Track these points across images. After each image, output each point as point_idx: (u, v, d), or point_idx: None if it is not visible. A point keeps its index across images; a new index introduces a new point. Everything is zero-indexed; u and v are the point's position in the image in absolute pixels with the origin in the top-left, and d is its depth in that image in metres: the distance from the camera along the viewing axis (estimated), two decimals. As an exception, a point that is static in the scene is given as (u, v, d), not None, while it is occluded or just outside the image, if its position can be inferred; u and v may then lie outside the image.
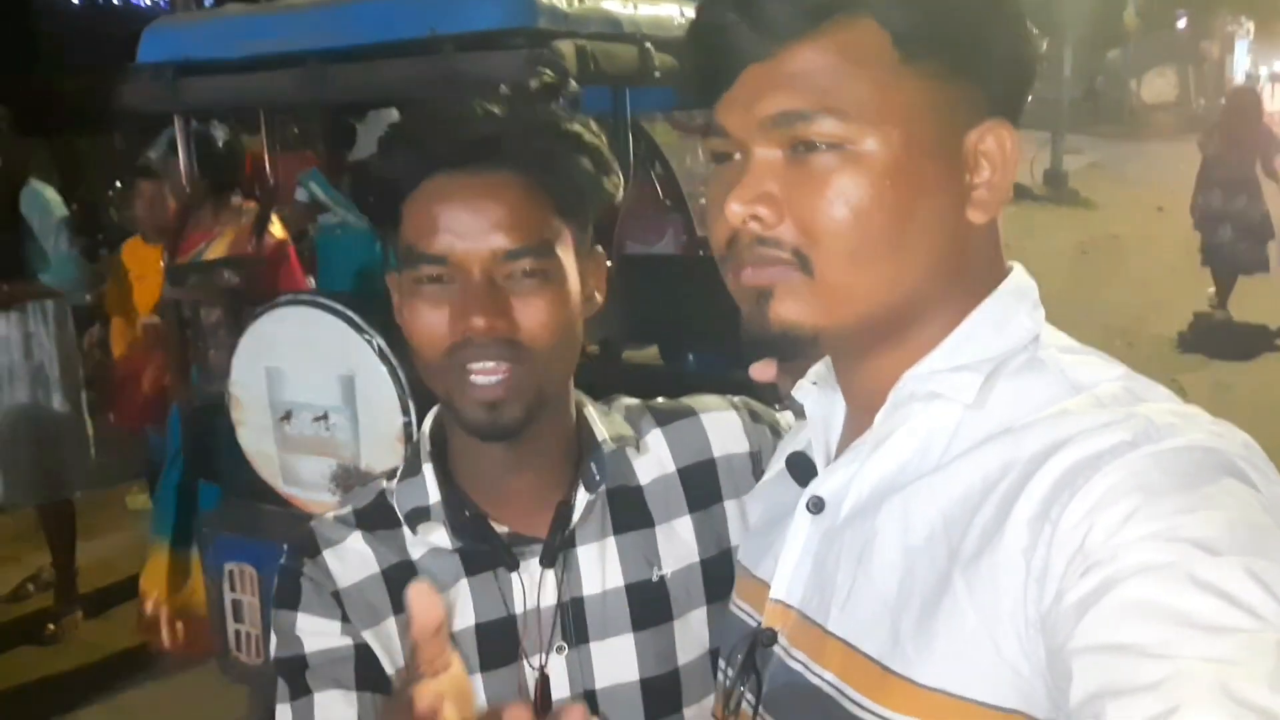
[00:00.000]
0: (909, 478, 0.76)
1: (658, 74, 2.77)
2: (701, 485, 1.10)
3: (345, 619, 1.01)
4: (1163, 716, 0.56)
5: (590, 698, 1.02)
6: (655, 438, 1.11)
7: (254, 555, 2.84)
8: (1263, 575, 0.59)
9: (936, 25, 0.72)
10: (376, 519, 1.05)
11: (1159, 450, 0.65)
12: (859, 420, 0.83)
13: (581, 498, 1.04)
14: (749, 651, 0.85)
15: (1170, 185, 12.17)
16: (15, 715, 3.63)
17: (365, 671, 1.00)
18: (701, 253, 4.23)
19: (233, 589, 2.92)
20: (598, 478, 1.05)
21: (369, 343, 2.58)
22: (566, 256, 0.99)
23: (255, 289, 3.36)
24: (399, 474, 1.07)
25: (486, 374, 0.94)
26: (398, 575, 1.02)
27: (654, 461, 1.10)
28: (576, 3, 2.61)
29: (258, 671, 2.87)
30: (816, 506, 0.82)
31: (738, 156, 0.77)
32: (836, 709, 0.75)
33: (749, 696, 0.84)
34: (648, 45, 2.76)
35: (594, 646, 1.03)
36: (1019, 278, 0.81)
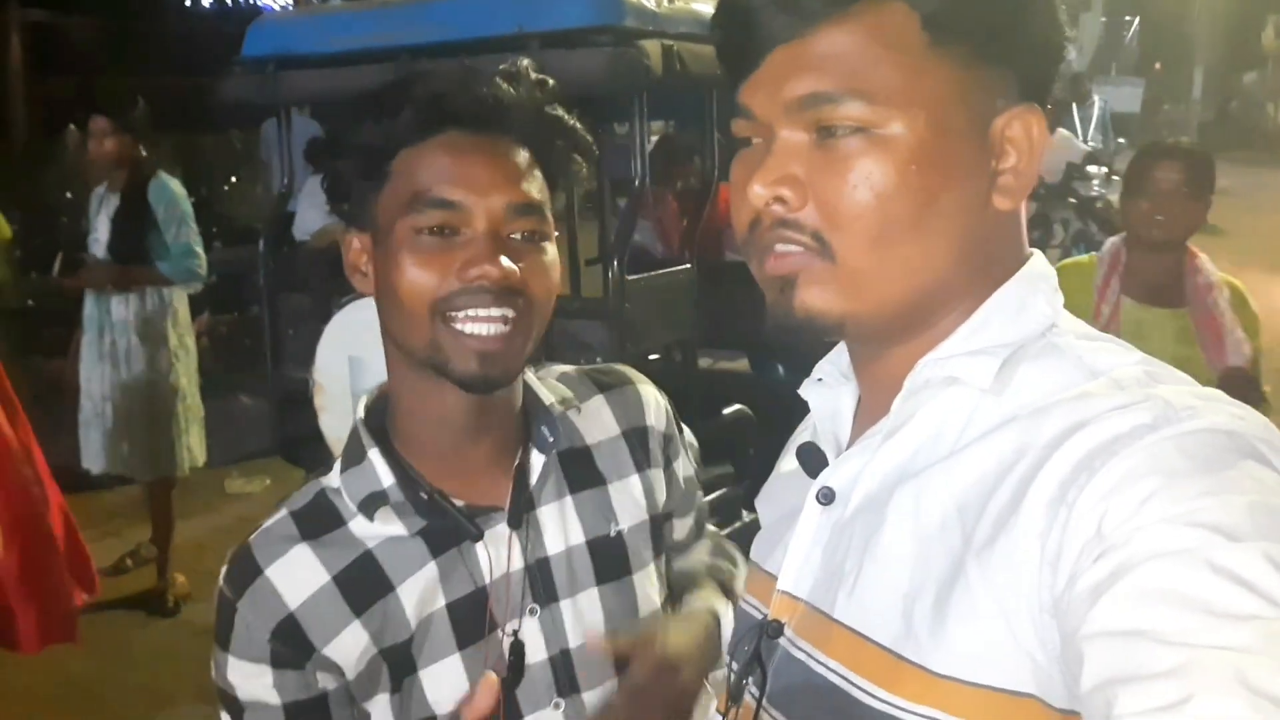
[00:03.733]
0: (922, 464, 0.74)
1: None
2: (640, 449, 1.14)
3: (282, 663, 0.99)
4: (1176, 705, 0.54)
5: (565, 657, 1.04)
6: (598, 402, 1.14)
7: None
8: None
9: (966, 8, 0.70)
10: (318, 522, 1.02)
11: (1178, 432, 0.63)
12: (873, 409, 0.80)
13: (537, 459, 1.06)
14: (754, 644, 0.83)
15: (1305, 214, 11.57)
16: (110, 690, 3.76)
17: (309, 717, 1.00)
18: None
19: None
20: (550, 439, 1.07)
21: (447, 335, 2.61)
22: (551, 223, 1.03)
23: None
24: (339, 466, 1.04)
25: (487, 322, 0.95)
26: (351, 575, 1.00)
27: (598, 424, 1.13)
28: (665, 2, 2.61)
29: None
30: (826, 497, 0.80)
31: (757, 141, 0.76)
32: (843, 698, 0.73)
33: (753, 690, 0.82)
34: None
35: (564, 604, 1.05)
36: (1038, 264, 0.78)
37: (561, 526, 1.06)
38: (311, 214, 6.96)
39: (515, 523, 1.03)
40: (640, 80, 2.43)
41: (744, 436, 3.32)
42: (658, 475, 1.15)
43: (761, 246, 0.75)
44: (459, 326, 0.95)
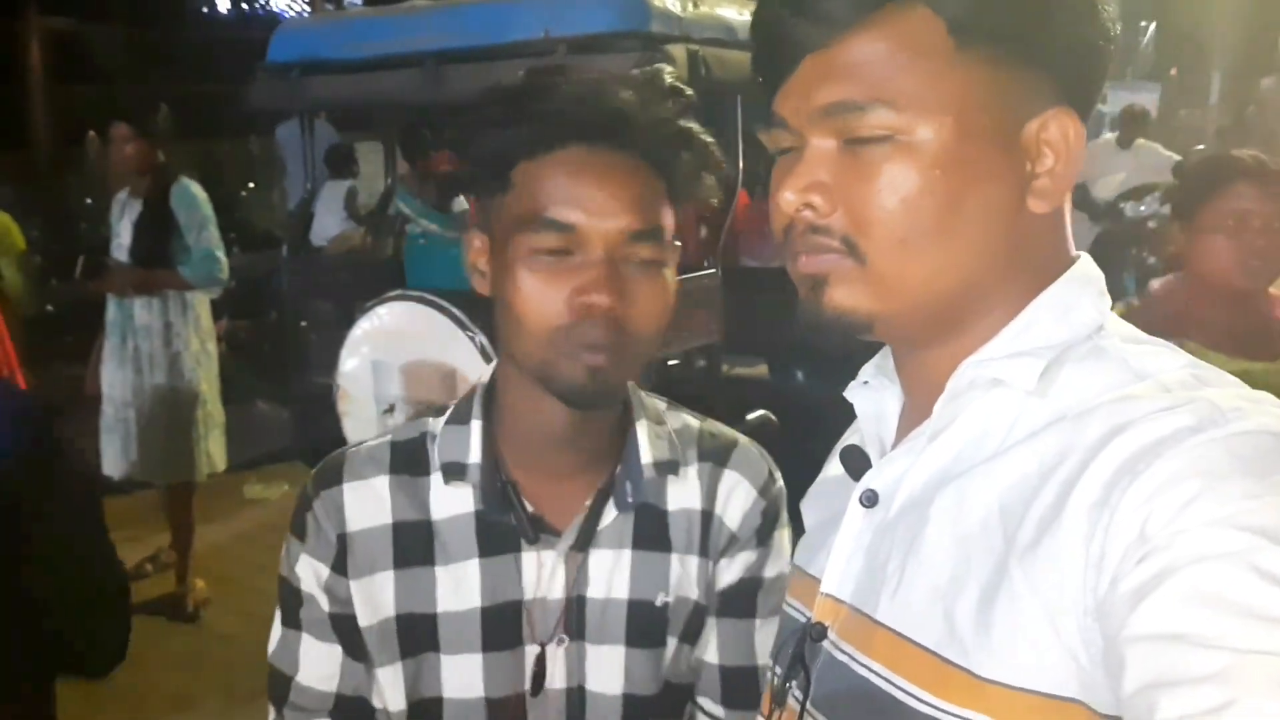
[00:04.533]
0: (964, 466, 0.74)
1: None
2: (707, 533, 1.09)
3: (338, 568, 1.03)
4: (1219, 709, 0.54)
5: (580, 694, 1.04)
6: (692, 469, 1.09)
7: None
8: None
9: (992, 12, 0.70)
10: (409, 461, 1.05)
11: (1224, 435, 0.62)
12: (917, 412, 0.80)
13: (610, 511, 1.04)
14: (797, 647, 0.83)
15: (1324, 219, 11.48)
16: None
17: (346, 636, 1.04)
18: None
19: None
20: (631, 500, 1.04)
21: (471, 339, 2.62)
22: (671, 246, 0.99)
23: None
24: (447, 416, 1.06)
25: (593, 351, 0.95)
26: (409, 532, 1.03)
27: (684, 492, 1.08)
28: (690, 7, 2.61)
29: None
30: (870, 500, 0.80)
31: (793, 149, 0.77)
32: (887, 701, 0.72)
33: (796, 693, 0.82)
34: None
35: (589, 647, 1.04)
36: (1085, 266, 0.78)
37: (609, 576, 1.04)
38: (329, 220, 7.01)
39: (573, 554, 1.03)
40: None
41: (768, 442, 3.31)
42: (710, 566, 1.09)
43: (794, 249, 0.76)
44: (569, 348, 0.94)
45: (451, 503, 1.03)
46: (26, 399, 2.08)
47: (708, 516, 1.08)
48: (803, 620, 0.85)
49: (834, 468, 0.92)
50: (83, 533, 1.51)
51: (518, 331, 0.96)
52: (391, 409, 2.86)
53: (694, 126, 1.00)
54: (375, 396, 2.89)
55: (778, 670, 0.86)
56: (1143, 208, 6.78)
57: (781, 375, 4.41)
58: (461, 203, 5.92)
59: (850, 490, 0.83)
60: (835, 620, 0.81)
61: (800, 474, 1.06)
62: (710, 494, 1.09)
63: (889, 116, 0.70)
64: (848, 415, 1.06)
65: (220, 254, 4.18)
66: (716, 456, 1.10)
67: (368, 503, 1.04)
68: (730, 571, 1.09)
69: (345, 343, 2.92)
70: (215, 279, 4.23)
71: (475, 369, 2.62)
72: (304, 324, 3.37)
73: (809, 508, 0.97)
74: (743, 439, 1.14)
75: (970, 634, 0.68)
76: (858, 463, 0.84)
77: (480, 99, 0.98)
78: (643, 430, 1.06)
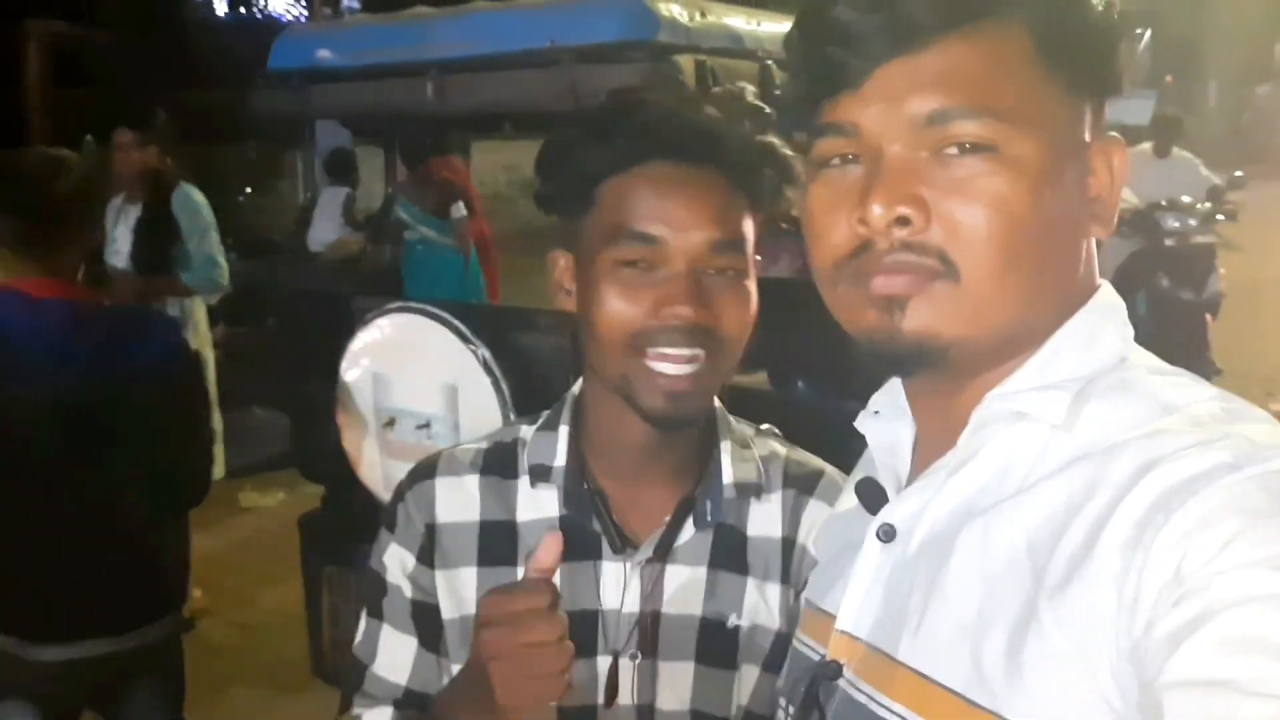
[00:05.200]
0: (989, 501, 0.72)
1: (779, 92, 2.72)
2: (789, 561, 1.08)
3: (423, 559, 1.07)
4: None
5: (649, 712, 1.04)
6: (776, 496, 1.09)
7: (353, 560, 2.86)
8: None
9: (1078, 37, 0.71)
10: (501, 464, 1.09)
11: (1263, 472, 0.61)
12: (933, 444, 0.78)
13: (688, 529, 1.04)
14: (811, 686, 0.81)
15: (1321, 229, 11.52)
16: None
17: (425, 627, 1.07)
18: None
19: (331, 593, 2.95)
20: (710, 518, 1.05)
21: (474, 353, 2.59)
22: (752, 259, 1.01)
23: None
24: (539, 423, 1.10)
25: (676, 362, 0.96)
26: (494, 531, 1.06)
27: (766, 517, 1.08)
28: (698, 17, 2.59)
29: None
30: (887, 535, 0.78)
31: (852, 157, 0.73)
32: None
33: None
34: (769, 63, 2.72)
35: (661, 664, 1.04)
36: (1107, 295, 0.77)
37: (685, 592, 1.04)
38: (326, 226, 6.99)
39: (650, 565, 1.03)
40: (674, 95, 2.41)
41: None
42: (790, 593, 1.08)
43: (870, 269, 0.71)
44: (649, 363, 0.96)
45: (536, 506, 1.05)
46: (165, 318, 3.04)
47: (790, 544, 1.08)
48: (815, 658, 0.83)
49: (847, 500, 0.91)
50: (204, 407, 2.26)
51: (599, 346, 0.98)
52: (392, 422, 2.83)
53: (775, 141, 1.02)
54: (375, 408, 2.85)
55: (790, 710, 0.84)
56: (1176, 223, 6.46)
57: (782, 385, 4.39)
58: (460, 209, 5.93)
59: (865, 524, 0.81)
60: (852, 658, 0.78)
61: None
62: (794, 522, 1.09)
63: (992, 127, 0.68)
64: (850, 425, 1.06)
65: (221, 259, 4.20)
66: (802, 484, 1.10)
67: (458, 498, 1.07)
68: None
69: (345, 354, 2.88)
70: (216, 285, 4.24)
71: (477, 382, 2.59)
72: (303, 332, 3.34)
73: (821, 541, 0.96)
74: (829, 469, 1.13)
75: (999, 676, 0.66)
76: (873, 496, 0.82)
77: (563, 121, 1.01)
78: (726, 451, 1.07)
